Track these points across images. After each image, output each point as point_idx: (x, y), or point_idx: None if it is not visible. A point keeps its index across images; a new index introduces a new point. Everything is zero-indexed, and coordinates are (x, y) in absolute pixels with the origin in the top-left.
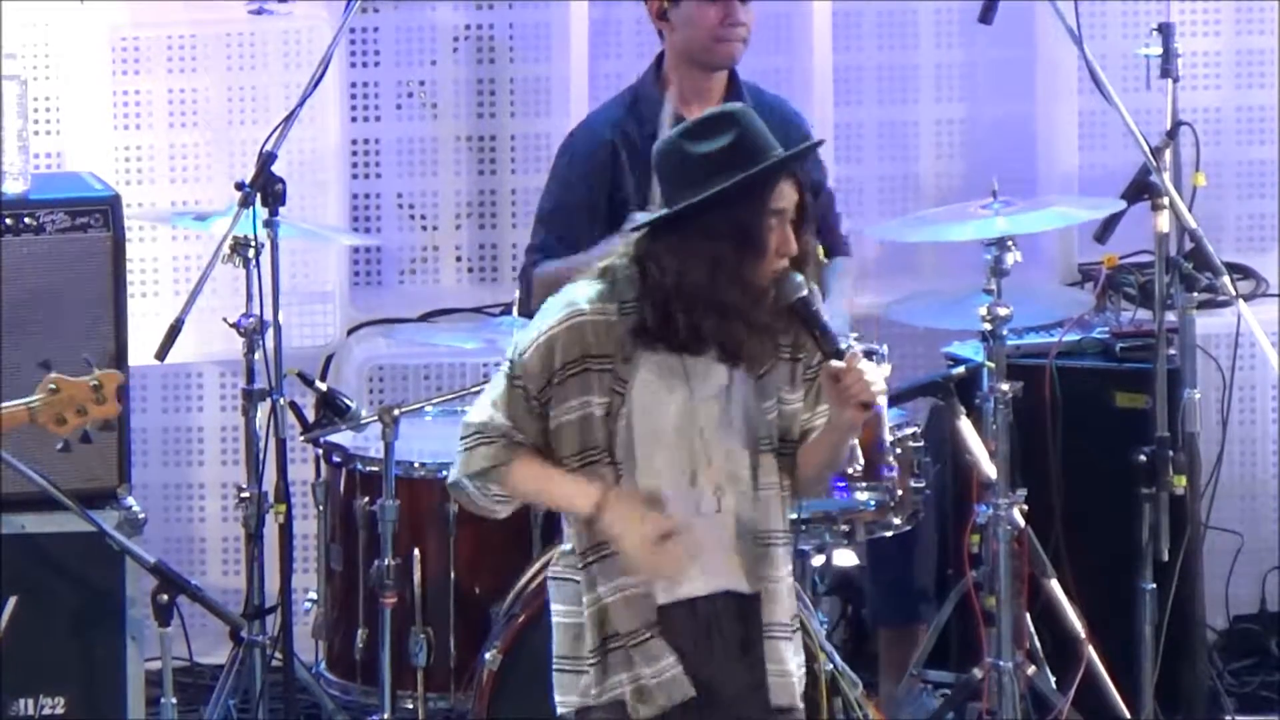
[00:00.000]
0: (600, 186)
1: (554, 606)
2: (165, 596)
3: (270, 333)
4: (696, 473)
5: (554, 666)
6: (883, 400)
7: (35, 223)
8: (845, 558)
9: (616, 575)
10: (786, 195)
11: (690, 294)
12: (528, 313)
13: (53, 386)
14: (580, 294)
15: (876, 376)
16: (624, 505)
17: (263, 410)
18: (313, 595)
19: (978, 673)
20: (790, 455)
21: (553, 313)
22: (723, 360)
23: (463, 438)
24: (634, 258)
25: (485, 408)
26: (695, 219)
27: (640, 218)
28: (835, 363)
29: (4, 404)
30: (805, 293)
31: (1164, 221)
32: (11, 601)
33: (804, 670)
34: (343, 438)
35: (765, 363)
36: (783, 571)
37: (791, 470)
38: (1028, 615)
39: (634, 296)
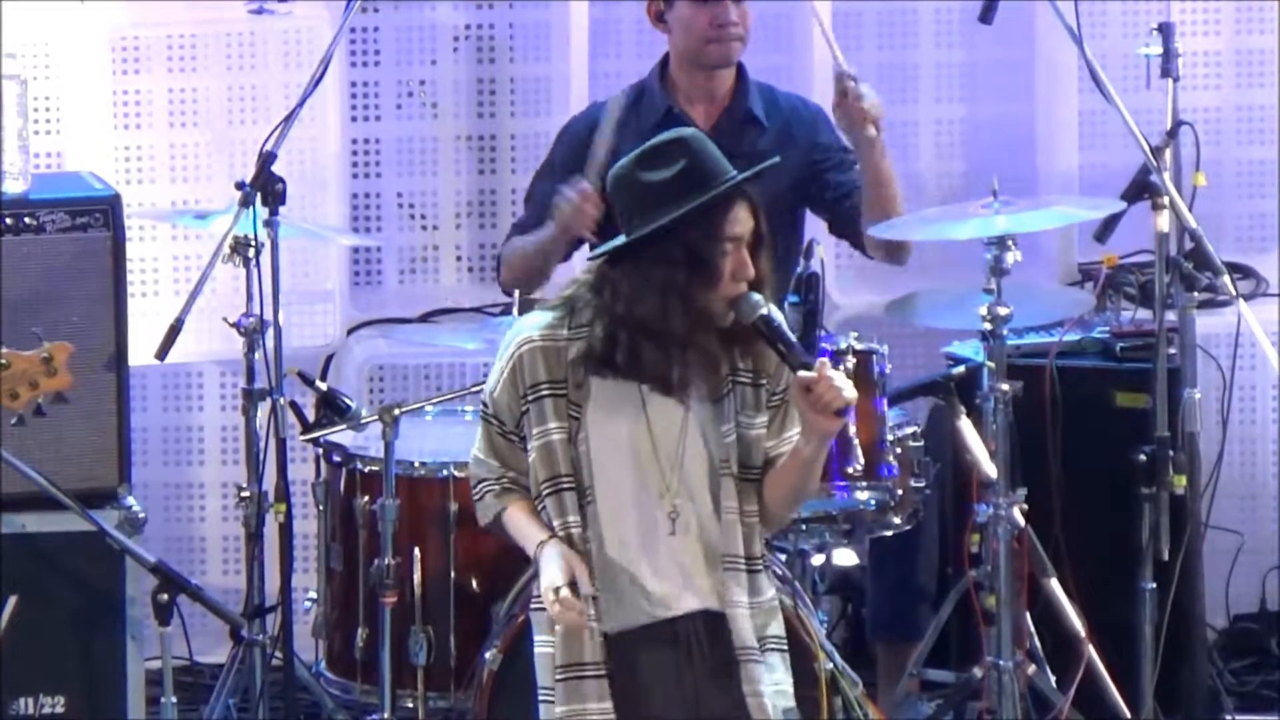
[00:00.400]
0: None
1: (535, 637)
2: (165, 596)
3: (270, 332)
4: (656, 495)
5: (538, 698)
6: (852, 396)
7: (35, 223)
8: (845, 558)
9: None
10: (741, 220)
11: (639, 321)
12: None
13: (2, 362)
14: (530, 323)
15: (846, 383)
16: (550, 555)
17: (263, 410)
18: (313, 595)
19: (978, 672)
20: (752, 481)
21: (507, 345)
22: (657, 391)
23: (472, 488)
24: (592, 285)
25: (476, 456)
26: (650, 246)
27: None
28: (804, 374)
29: None
30: (765, 310)
31: (1164, 221)
32: (11, 601)
33: (783, 685)
34: (343, 437)
35: (713, 391)
36: (743, 597)
37: (755, 497)
38: (1028, 615)
39: (587, 321)
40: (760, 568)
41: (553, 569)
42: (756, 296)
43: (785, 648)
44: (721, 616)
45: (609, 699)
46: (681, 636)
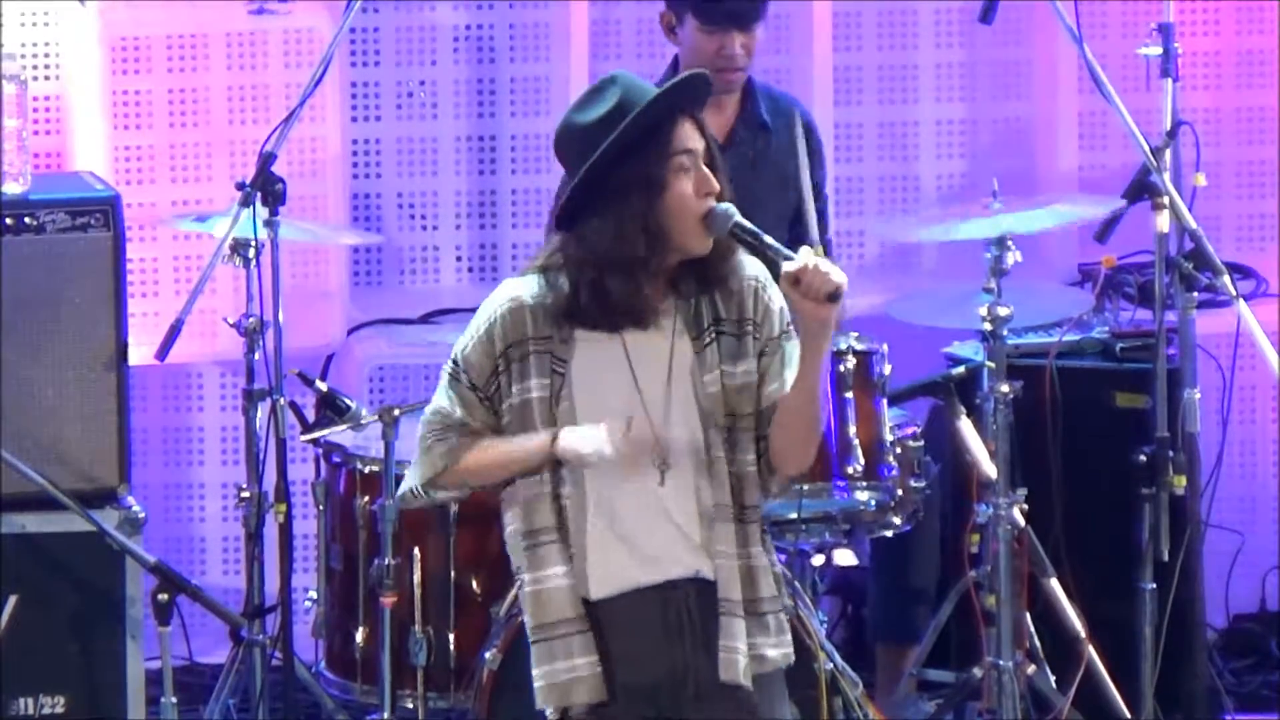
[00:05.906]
0: None
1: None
2: (165, 596)
3: (270, 333)
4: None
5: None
6: (841, 279)
7: (35, 223)
8: (845, 558)
9: (540, 566)
10: (689, 135)
11: (601, 256)
12: None
13: None
14: (518, 286)
15: (833, 267)
16: (569, 430)
17: (263, 410)
18: (313, 595)
19: (978, 672)
20: (744, 431)
21: (492, 304)
22: (631, 326)
23: (421, 438)
24: (559, 246)
25: (434, 410)
26: (602, 181)
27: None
28: (790, 265)
29: None
30: (737, 216)
31: (1164, 221)
32: (11, 601)
33: (769, 653)
34: (343, 438)
35: (695, 339)
36: (730, 548)
37: (750, 445)
38: (1028, 615)
39: (562, 281)
40: (753, 519)
41: (583, 431)
42: (725, 205)
43: (778, 609)
44: (714, 585)
45: (594, 653)
46: (671, 605)
